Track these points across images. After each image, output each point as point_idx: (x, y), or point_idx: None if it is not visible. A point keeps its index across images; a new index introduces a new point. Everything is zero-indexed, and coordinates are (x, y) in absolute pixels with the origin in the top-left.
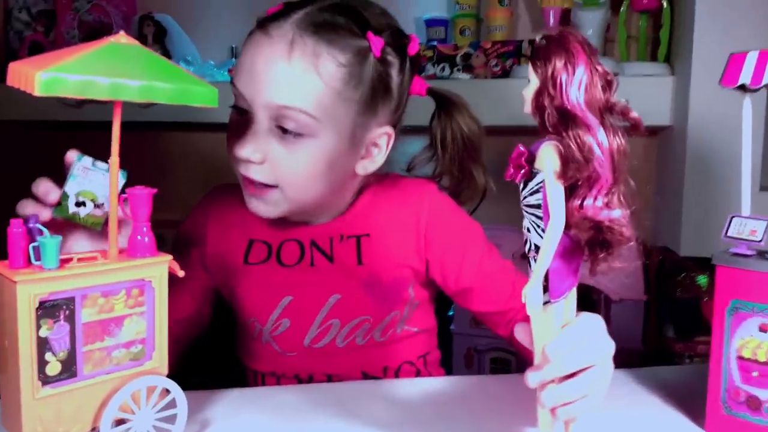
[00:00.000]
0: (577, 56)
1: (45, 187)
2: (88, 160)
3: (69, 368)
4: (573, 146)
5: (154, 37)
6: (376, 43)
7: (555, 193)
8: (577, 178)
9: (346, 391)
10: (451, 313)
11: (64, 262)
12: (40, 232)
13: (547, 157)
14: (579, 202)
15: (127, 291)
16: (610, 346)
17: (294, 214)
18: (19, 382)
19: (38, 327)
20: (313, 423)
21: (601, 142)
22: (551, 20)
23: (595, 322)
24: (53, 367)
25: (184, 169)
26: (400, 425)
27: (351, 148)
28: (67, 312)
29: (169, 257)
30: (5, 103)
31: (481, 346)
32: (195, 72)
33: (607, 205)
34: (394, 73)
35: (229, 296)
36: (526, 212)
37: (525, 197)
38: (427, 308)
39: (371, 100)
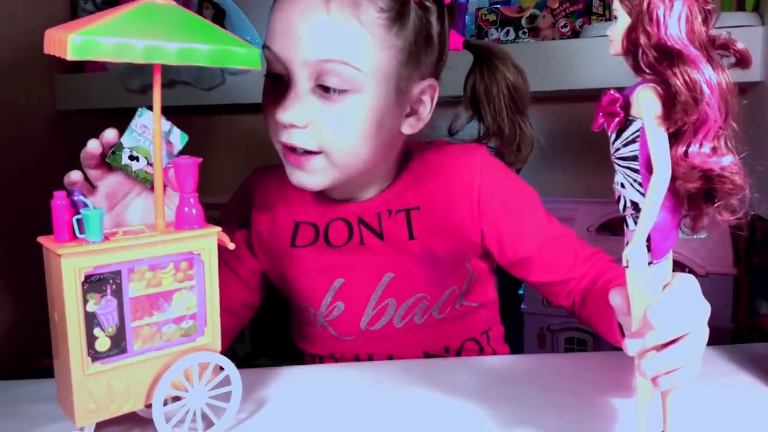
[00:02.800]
0: None
1: (108, 132)
2: (148, 118)
3: (119, 344)
4: (680, 85)
5: (213, 19)
6: None
7: (658, 140)
8: (683, 123)
9: (408, 369)
10: (521, 292)
11: (109, 235)
12: (84, 205)
13: (647, 100)
14: (684, 149)
15: (176, 264)
16: (706, 309)
17: (339, 185)
18: (69, 359)
19: (85, 301)
20: (372, 402)
21: (709, 78)
22: None
23: (691, 283)
24: (102, 343)
25: (226, 153)
26: (466, 405)
27: (397, 103)
28: (114, 286)
29: (218, 229)
30: (67, 94)
31: (554, 326)
32: None
33: (715, 151)
34: (433, 20)
35: (279, 281)
36: (619, 166)
37: (618, 149)
38: (487, 281)
39: (414, 48)
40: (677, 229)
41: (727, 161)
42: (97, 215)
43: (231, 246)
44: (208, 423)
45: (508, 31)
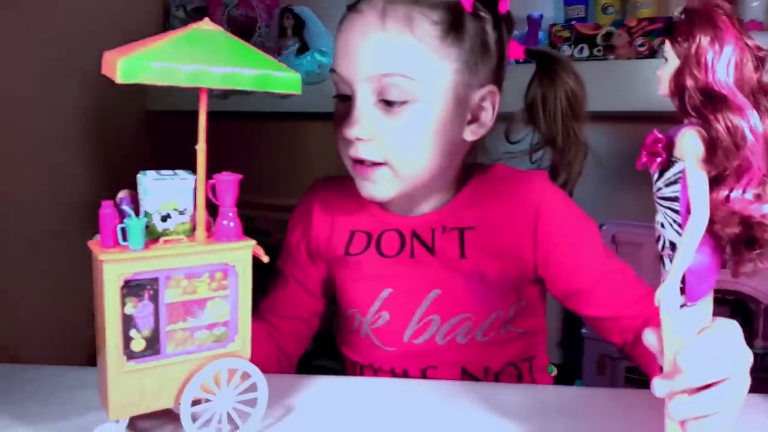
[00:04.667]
0: (725, 31)
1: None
2: (151, 173)
3: (153, 345)
4: (722, 130)
5: (294, 29)
6: None
7: (698, 183)
8: (724, 168)
9: (442, 390)
10: None
11: (150, 243)
12: (128, 215)
13: (690, 143)
14: (726, 193)
15: (211, 274)
16: (748, 357)
17: (404, 196)
18: (106, 356)
19: (123, 304)
20: (401, 419)
21: (754, 126)
22: None
23: (732, 329)
24: (138, 344)
25: (277, 157)
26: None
27: (456, 111)
28: (152, 292)
29: (253, 242)
30: (157, 94)
31: (615, 353)
32: (328, 63)
33: (758, 198)
34: (489, 28)
35: (333, 287)
36: (661, 205)
37: (660, 188)
38: (536, 309)
39: (471, 56)
40: (716, 274)
41: (760, 209)
42: (138, 224)
43: (265, 259)
44: (234, 426)
45: (582, 48)
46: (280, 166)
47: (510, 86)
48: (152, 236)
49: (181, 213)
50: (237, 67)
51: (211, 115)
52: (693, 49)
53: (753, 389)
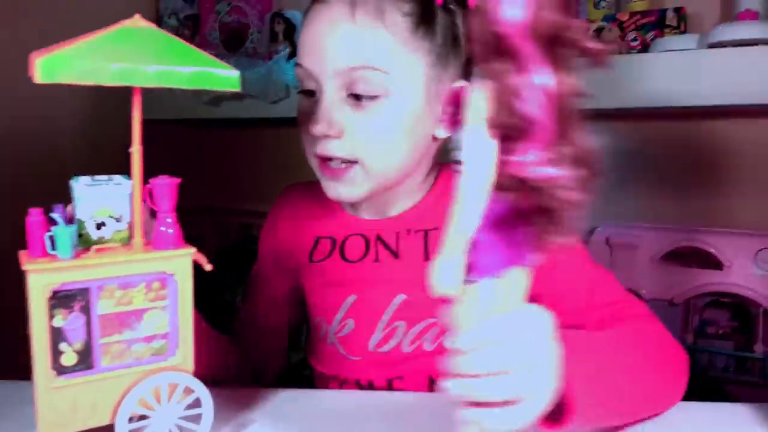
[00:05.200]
0: None
1: None
2: (84, 178)
3: (85, 360)
4: (504, 85)
5: (285, 33)
6: None
7: (474, 143)
8: (508, 127)
9: (407, 402)
10: None
11: (82, 252)
12: (58, 222)
13: (473, 99)
14: (512, 156)
15: (147, 284)
16: (544, 355)
17: (373, 197)
18: (34, 371)
19: (51, 317)
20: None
21: (541, 80)
22: None
23: (532, 322)
24: (68, 358)
25: (271, 164)
26: None
27: (427, 106)
28: (83, 303)
29: (192, 250)
30: (151, 103)
31: None
32: None
33: (549, 162)
34: (459, 21)
35: (301, 296)
36: (456, 171)
37: (453, 151)
38: None
39: (442, 49)
40: (516, 249)
41: (551, 172)
42: (67, 232)
43: (208, 267)
44: None
45: None
46: (269, 171)
47: None
48: (86, 245)
49: (117, 220)
50: (171, 64)
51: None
52: None
53: (755, 397)
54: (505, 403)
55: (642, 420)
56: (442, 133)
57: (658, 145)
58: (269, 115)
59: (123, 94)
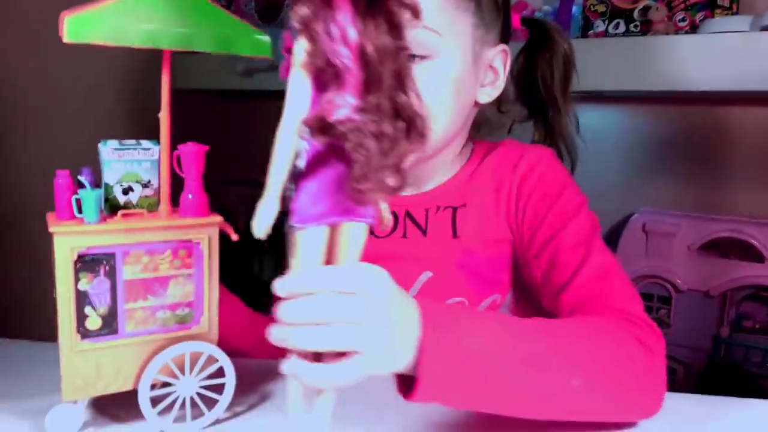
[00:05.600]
0: None
1: None
2: (112, 142)
3: (110, 324)
4: (310, 30)
5: None
6: None
7: (294, 86)
8: (313, 68)
9: None
10: None
11: (108, 216)
12: (84, 185)
13: (296, 45)
14: (323, 97)
15: (173, 251)
16: (385, 312)
17: (414, 166)
18: (59, 334)
19: (77, 280)
20: (382, 407)
21: (345, 29)
22: None
23: (371, 277)
24: (93, 322)
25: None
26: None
27: (473, 68)
28: (108, 268)
29: (220, 219)
30: (183, 73)
31: None
32: None
33: (357, 110)
34: None
35: None
36: None
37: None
38: (539, 301)
39: (485, 11)
40: (342, 195)
41: (350, 116)
42: (93, 196)
43: (234, 237)
44: (199, 412)
45: (618, 23)
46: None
47: None
48: (112, 210)
49: (145, 186)
50: (198, 27)
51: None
52: None
53: None
54: (335, 356)
55: (561, 421)
56: (484, 96)
57: (701, 130)
58: (245, 87)
59: (154, 58)
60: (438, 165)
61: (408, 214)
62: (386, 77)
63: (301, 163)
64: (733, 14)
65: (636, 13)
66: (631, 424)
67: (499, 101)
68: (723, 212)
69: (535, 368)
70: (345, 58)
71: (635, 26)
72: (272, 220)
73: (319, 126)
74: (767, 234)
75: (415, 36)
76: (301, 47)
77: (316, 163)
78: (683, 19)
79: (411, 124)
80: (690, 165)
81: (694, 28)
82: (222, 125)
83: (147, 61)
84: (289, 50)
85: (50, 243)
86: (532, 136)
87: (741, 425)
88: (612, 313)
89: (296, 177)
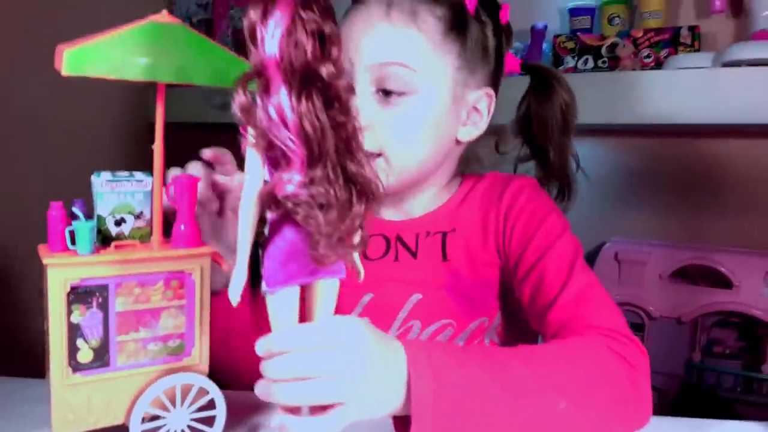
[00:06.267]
0: (277, 3)
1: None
2: (106, 173)
3: (101, 357)
4: (252, 114)
5: None
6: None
7: (247, 160)
8: (264, 150)
9: None
10: None
11: (101, 248)
12: (77, 217)
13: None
14: (275, 176)
15: (166, 282)
16: (364, 360)
17: (397, 193)
18: (50, 367)
19: (69, 312)
20: None
21: (282, 109)
22: (717, 3)
23: (348, 327)
24: (85, 354)
25: None
26: None
27: (453, 108)
28: (100, 299)
29: (210, 249)
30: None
31: None
32: None
33: (302, 185)
34: (489, 33)
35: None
36: None
37: None
38: (524, 323)
39: (470, 56)
40: (304, 260)
41: (296, 191)
42: (87, 227)
43: (225, 266)
44: None
45: (586, 60)
46: None
47: (501, 99)
48: (105, 241)
49: (137, 217)
50: (196, 61)
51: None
52: (247, 23)
53: (763, 417)
54: (320, 409)
55: None
56: (465, 135)
57: (669, 162)
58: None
59: (143, 90)
60: (424, 194)
61: (399, 239)
62: (330, 150)
63: (266, 231)
64: (695, 51)
65: (604, 50)
66: None
67: (497, 143)
68: (691, 241)
69: (521, 396)
70: (286, 138)
71: (603, 62)
72: (243, 285)
73: (271, 201)
74: (735, 261)
75: (397, 74)
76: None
77: (279, 230)
78: (648, 56)
79: (363, 189)
80: (659, 195)
81: (659, 65)
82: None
83: (124, 93)
84: (245, 129)
85: (41, 275)
86: (535, 172)
87: None
88: (593, 330)
89: (262, 244)
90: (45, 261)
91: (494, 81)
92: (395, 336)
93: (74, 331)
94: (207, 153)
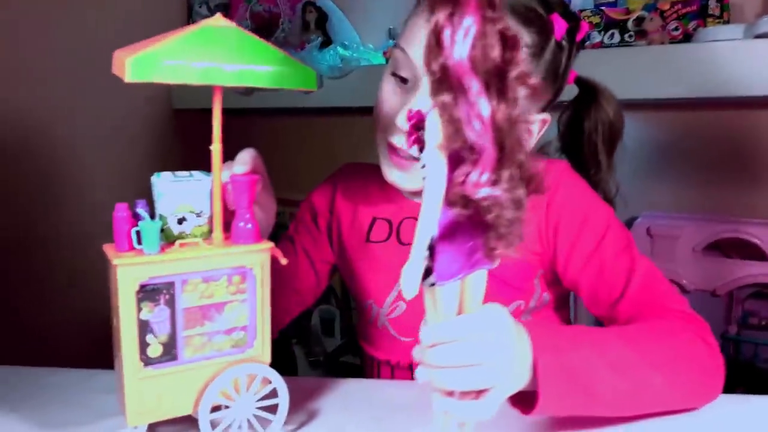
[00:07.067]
0: (465, 5)
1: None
2: (166, 174)
3: (170, 351)
4: (449, 115)
5: (316, 22)
6: (561, 26)
7: (431, 162)
8: (456, 150)
9: None
10: None
11: (166, 246)
12: (143, 217)
13: (429, 123)
14: (461, 177)
15: (228, 277)
16: (513, 346)
17: None
18: (123, 362)
19: (139, 309)
20: (424, 423)
21: (479, 111)
22: None
23: (498, 316)
24: (154, 349)
25: (300, 152)
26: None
27: None
28: (168, 296)
29: (271, 244)
30: (185, 93)
31: None
32: (351, 56)
33: (494, 183)
34: (564, 59)
35: (349, 276)
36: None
37: (421, 169)
38: (561, 308)
39: (540, 83)
40: (472, 255)
41: (493, 193)
42: (153, 227)
43: (284, 261)
44: None
45: (612, 34)
46: (303, 161)
47: None
48: (168, 240)
49: (198, 215)
50: (251, 64)
51: (234, 111)
52: (432, 24)
53: None
54: (474, 393)
55: (646, 414)
56: None
57: (700, 135)
58: (301, 104)
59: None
60: None
61: None
62: (516, 147)
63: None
64: (724, 23)
65: (630, 24)
66: (692, 410)
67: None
68: (724, 213)
69: (623, 373)
70: (482, 138)
71: (630, 36)
72: (418, 280)
73: (464, 203)
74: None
75: None
76: (434, 127)
77: (451, 225)
78: (676, 28)
79: (534, 185)
80: (690, 169)
81: (687, 37)
82: (224, 142)
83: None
84: (418, 126)
85: (108, 274)
86: None
87: (759, 420)
88: (670, 314)
89: (431, 241)
90: (114, 261)
91: (553, 102)
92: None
93: (144, 328)
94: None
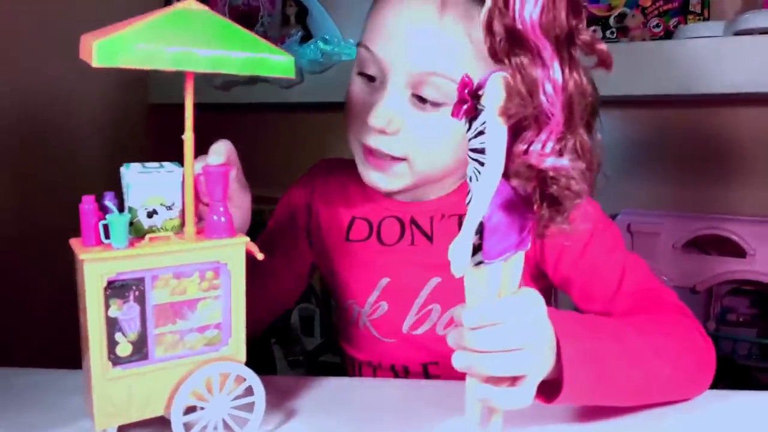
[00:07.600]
0: None
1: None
2: (135, 165)
3: (140, 350)
4: (518, 76)
5: (297, 16)
6: None
7: (495, 131)
8: (523, 117)
9: (448, 391)
10: None
11: (135, 240)
12: (111, 210)
13: (491, 89)
14: (524, 146)
15: (201, 273)
16: (545, 333)
17: (412, 189)
18: (90, 362)
19: (107, 307)
20: (407, 422)
21: (553, 75)
22: None
23: (535, 301)
24: (124, 348)
25: (279, 148)
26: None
27: None
28: (137, 293)
29: (246, 239)
30: (159, 88)
31: None
32: (332, 51)
33: (557, 153)
34: None
35: (329, 276)
36: (470, 158)
37: (469, 140)
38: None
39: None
40: (522, 233)
41: (563, 163)
42: (121, 221)
43: (260, 256)
44: None
45: (594, 30)
46: (283, 157)
47: None
48: (138, 234)
49: (169, 208)
50: (225, 49)
51: (212, 107)
52: None
53: None
54: (511, 380)
55: (649, 404)
56: None
57: (680, 132)
58: (281, 100)
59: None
60: (440, 185)
61: (413, 221)
62: (581, 117)
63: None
64: (704, 20)
65: (612, 20)
66: (686, 400)
67: None
68: (703, 210)
69: (636, 363)
70: (552, 103)
71: (611, 33)
72: (467, 256)
73: (528, 174)
74: (748, 230)
75: (439, 85)
76: (496, 91)
77: (502, 203)
78: (657, 25)
79: (592, 161)
80: (670, 166)
81: (668, 34)
82: (200, 138)
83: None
84: (470, 94)
85: (75, 270)
86: None
87: (739, 415)
88: (666, 307)
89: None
90: (81, 256)
91: None
92: (413, 321)
93: (112, 326)
94: (218, 159)
